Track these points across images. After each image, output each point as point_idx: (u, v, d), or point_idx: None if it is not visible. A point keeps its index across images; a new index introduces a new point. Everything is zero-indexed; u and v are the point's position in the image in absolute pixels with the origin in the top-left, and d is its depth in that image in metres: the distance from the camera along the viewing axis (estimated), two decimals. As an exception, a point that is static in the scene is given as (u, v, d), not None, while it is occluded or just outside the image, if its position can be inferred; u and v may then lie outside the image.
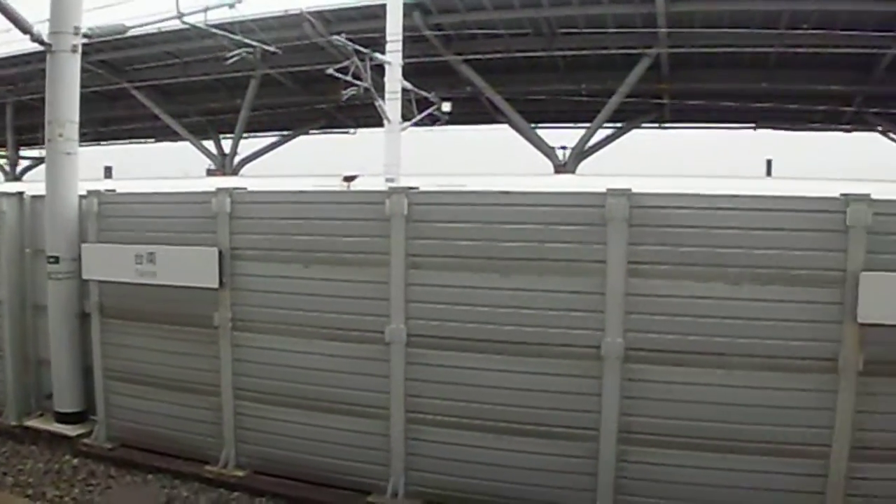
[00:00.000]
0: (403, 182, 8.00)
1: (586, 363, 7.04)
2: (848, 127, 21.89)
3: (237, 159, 26.51)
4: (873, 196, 6.80)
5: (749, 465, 6.95)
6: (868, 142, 22.01)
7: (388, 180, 8.31)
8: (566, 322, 7.09)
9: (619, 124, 22.59)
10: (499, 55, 18.73)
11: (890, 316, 6.61)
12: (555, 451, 7.24)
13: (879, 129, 21.55)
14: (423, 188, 7.65)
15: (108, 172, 24.67)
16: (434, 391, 7.45)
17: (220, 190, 8.18)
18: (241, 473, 8.04)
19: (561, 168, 21.33)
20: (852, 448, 6.82)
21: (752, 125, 22.13)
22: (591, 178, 7.95)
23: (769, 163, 18.20)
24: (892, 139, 21.50)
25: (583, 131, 21.79)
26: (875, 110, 20.34)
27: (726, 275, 6.85)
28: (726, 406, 6.91)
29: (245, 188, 8.41)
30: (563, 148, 21.80)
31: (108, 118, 29.01)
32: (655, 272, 6.93)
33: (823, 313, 6.79)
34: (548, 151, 21.46)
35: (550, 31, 17.94)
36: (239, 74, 20.97)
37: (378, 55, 12.69)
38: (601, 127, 21.61)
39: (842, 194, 6.84)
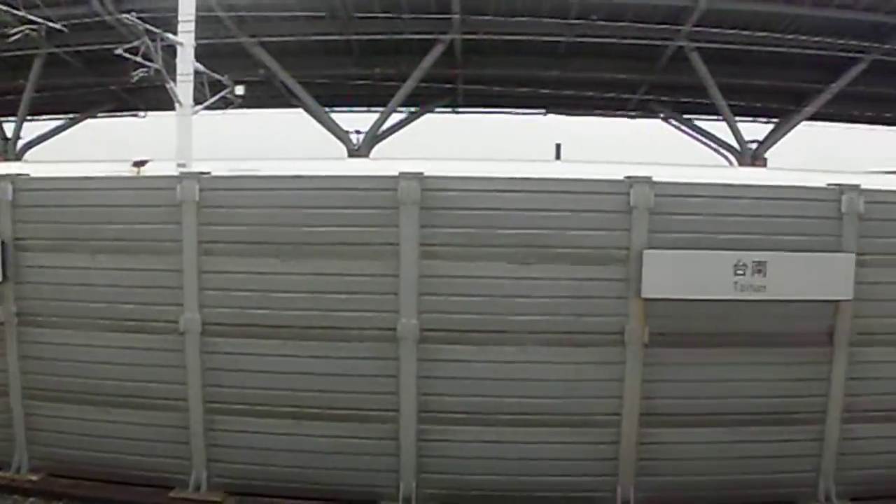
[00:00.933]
0: (196, 167, 8.28)
1: (383, 345, 7.51)
2: (634, 114, 24.08)
3: (20, 143, 25.96)
4: (655, 178, 7.54)
5: (545, 436, 7.64)
6: (652, 128, 24.52)
7: (179, 165, 8.54)
8: (362, 305, 7.51)
9: (413, 109, 23.63)
10: (294, 38, 19.11)
11: (672, 290, 7.40)
12: (355, 434, 7.69)
13: (662, 115, 23.81)
14: (215, 173, 7.78)
15: None
16: (232, 380, 7.72)
17: (0, 177, 8.10)
18: (34, 477, 8.06)
19: (355, 152, 22.08)
20: (641, 415, 7.67)
21: (543, 111, 23.99)
22: (385, 161, 8.47)
23: (558, 147, 19.73)
24: (673, 125, 23.91)
25: (377, 115, 22.64)
26: (659, 98, 22.44)
27: (517, 255, 7.46)
28: (521, 381, 7.57)
29: (28, 174, 8.30)
30: (358, 132, 22.63)
31: None
32: (448, 254, 7.44)
33: (610, 289, 7.53)
34: (342, 135, 21.66)
35: (346, 14, 18.24)
36: (22, 53, 20.61)
37: (170, 35, 12.79)
38: (395, 111, 22.50)
39: (626, 177, 7.55)
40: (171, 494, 7.87)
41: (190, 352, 7.75)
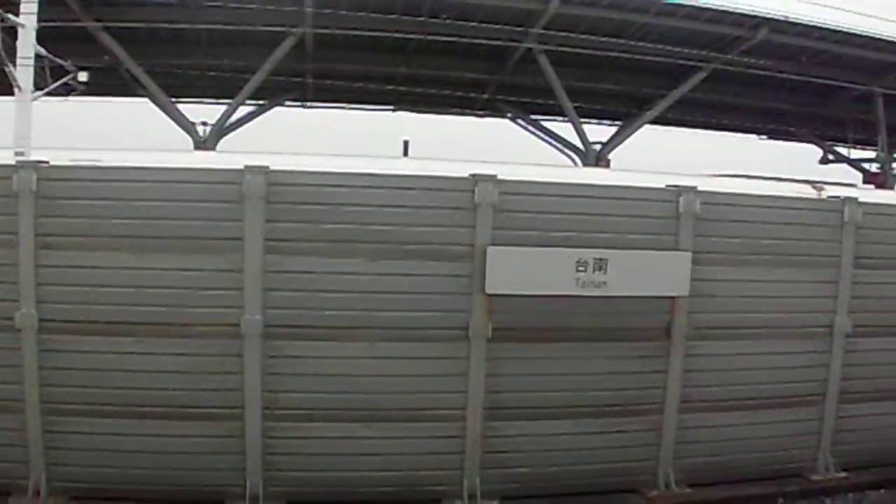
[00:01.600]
0: (35, 156, 8.36)
1: (227, 342, 7.71)
2: (481, 113, 25.73)
3: None
4: (500, 176, 8.04)
5: (393, 432, 8.05)
6: (499, 127, 26.48)
7: (17, 154, 8.55)
8: (205, 301, 7.68)
9: (261, 102, 24.20)
10: (141, 24, 19.25)
11: (515, 286, 7.94)
12: (201, 433, 7.84)
13: (509, 115, 25.48)
14: (54, 163, 7.71)
15: None
16: (71, 379, 7.70)
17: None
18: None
19: (201, 144, 22.30)
20: (486, 409, 8.18)
21: (392, 108, 25.22)
22: (231, 155, 8.78)
23: (406, 143, 20.73)
24: (520, 125, 25.66)
25: (225, 107, 22.49)
26: (506, 98, 24.12)
27: (364, 251, 7.81)
28: (368, 377, 7.95)
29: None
30: (205, 124, 23.08)
31: None
32: (294, 249, 7.72)
33: (455, 285, 7.99)
34: (188, 127, 22.08)
35: (195, 3, 18.50)
36: None
37: (10, 16, 12.72)
38: (243, 104, 23.04)
39: (471, 174, 8.00)
40: (11, 501, 7.76)
41: (27, 351, 7.64)
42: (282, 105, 24.94)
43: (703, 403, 8.96)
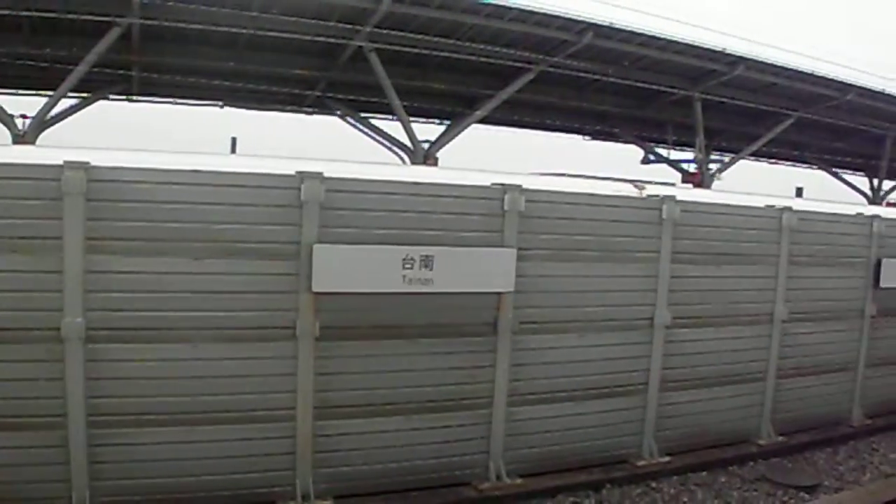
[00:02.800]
0: None
1: (47, 346, 7.97)
2: (311, 110, 27.47)
3: None
4: (326, 174, 8.67)
5: (222, 434, 8.54)
6: (329, 125, 28.29)
7: None
8: (23, 303, 7.92)
9: (85, 94, 24.70)
10: None
11: (342, 284, 8.62)
12: (23, 444, 8.04)
13: (339, 113, 27.12)
14: None
15: None
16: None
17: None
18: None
19: (20, 138, 22.67)
20: (315, 408, 8.79)
21: (220, 103, 26.35)
22: (52, 149, 9.27)
23: (234, 140, 21.95)
24: (350, 123, 27.32)
25: (46, 99, 23.32)
26: (336, 96, 25.73)
27: (189, 249, 8.26)
28: (196, 379, 8.42)
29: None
30: (24, 116, 23.50)
31: None
32: (117, 248, 8.09)
33: (282, 284, 8.58)
34: (6, 119, 21.22)
35: None
36: None
37: None
38: (66, 96, 23.31)
39: (297, 172, 8.55)
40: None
41: None
42: (107, 99, 24.95)
43: (531, 396, 9.97)
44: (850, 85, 27.73)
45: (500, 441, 9.93)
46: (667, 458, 11.11)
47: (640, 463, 10.91)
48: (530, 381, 10.07)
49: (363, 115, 26.54)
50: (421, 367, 9.42)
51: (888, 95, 28.91)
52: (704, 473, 11.15)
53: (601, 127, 32.05)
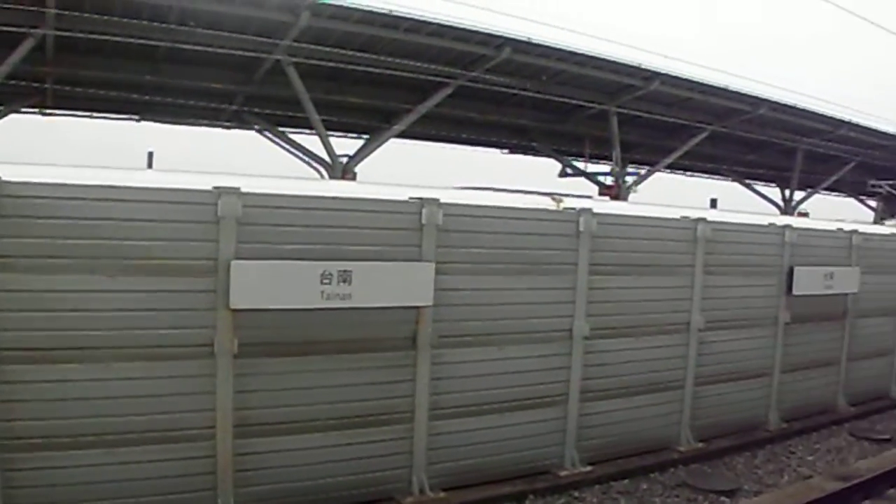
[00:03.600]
0: None
1: None
2: (229, 124, 27.38)
3: None
4: (244, 189, 8.81)
5: (137, 455, 8.55)
6: (247, 139, 28.33)
7: None
8: None
9: None
10: None
11: (260, 301, 8.76)
12: None
13: (257, 127, 27.29)
14: None
15: None
16: None
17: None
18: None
19: None
20: (236, 426, 8.89)
21: (137, 117, 26.06)
22: None
23: (150, 155, 22.06)
24: (268, 137, 27.60)
25: None
26: (254, 110, 25.72)
27: (102, 266, 8.30)
28: (108, 400, 8.42)
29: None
30: None
31: None
32: (25, 266, 8.09)
33: (198, 301, 8.65)
34: None
35: None
36: None
37: None
38: None
39: (214, 187, 8.68)
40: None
41: None
42: (18, 112, 24.53)
43: (452, 409, 10.25)
44: (763, 99, 29.06)
45: (423, 455, 10.14)
46: (589, 468, 11.49)
47: (563, 473, 11.25)
48: (451, 394, 10.33)
49: (281, 129, 26.69)
50: (341, 383, 9.60)
51: (799, 109, 30.40)
52: (626, 481, 11.56)
53: (520, 141, 32.85)
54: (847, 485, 10.61)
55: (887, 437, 14.80)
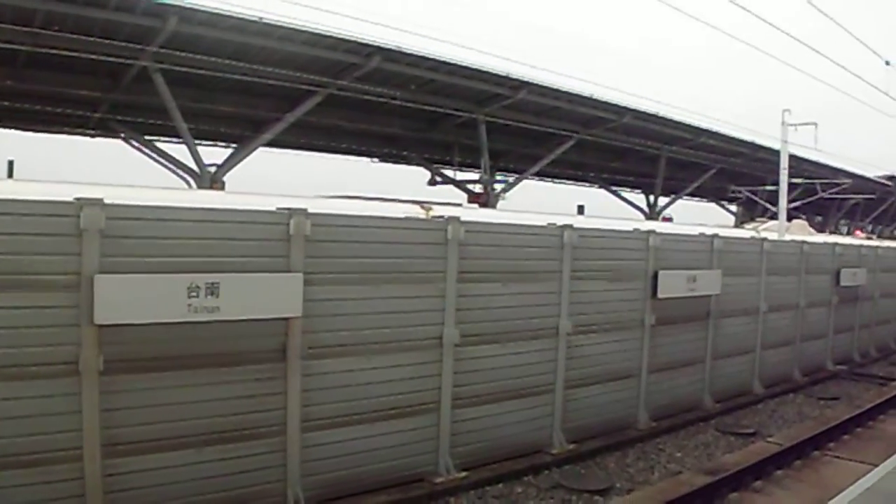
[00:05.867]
0: None
1: None
2: (93, 132, 27.85)
3: None
4: (108, 201, 8.98)
5: (4, 480, 8.69)
6: (113, 148, 28.72)
7: None
8: None
9: None
10: None
11: (127, 315, 9.00)
12: None
13: (123, 135, 27.79)
14: None
15: None
16: None
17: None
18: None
19: None
20: (104, 446, 9.09)
21: None
22: None
23: (10, 164, 22.13)
24: (134, 146, 28.05)
25: None
26: (118, 118, 26.25)
27: None
28: None
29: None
30: None
31: None
32: None
33: (61, 317, 8.83)
34: None
35: None
36: None
37: None
38: None
39: (76, 198, 8.83)
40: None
41: None
42: None
43: (325, 421, 10.77)
44: (627, 108, 31.00)
45: (297, 467, 10.61)
46: (464, 474, 12.22)
47: (438, 480, 11.91)
48: (323, 405, 10.84)
49: (148, 137, 26.67)
50: (212, 397, 9.95)
51: (661, 118, 32.51)
52: (501, 486, 12.35)
53: (390, 149, 33.97)
54: (715, 479, 11.71)
55: (752, 430, 16.23)
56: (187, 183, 26.41)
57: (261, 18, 19.92)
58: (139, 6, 18.64)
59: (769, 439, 14.65)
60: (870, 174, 52.12)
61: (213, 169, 26.03)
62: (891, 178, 56.57)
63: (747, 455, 13.33)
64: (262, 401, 10.34)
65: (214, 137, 27.76)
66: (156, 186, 12.00)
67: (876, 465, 10.68)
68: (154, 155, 26.98)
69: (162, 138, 26.72)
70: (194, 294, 9.46)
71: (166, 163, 26.82)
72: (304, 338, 10.18)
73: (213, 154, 27.14)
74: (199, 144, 25.87)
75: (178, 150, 26.49)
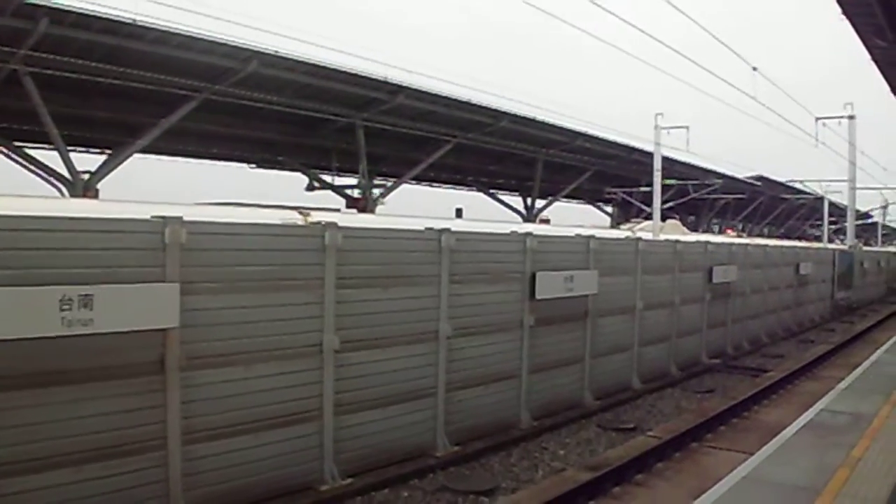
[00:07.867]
0: None
1: None
2: None
3: None
4: None
5: None
6: None
7: None
8: None
9: None
10: None
11: None
12: None
13: None
14: None
15: None
16: None
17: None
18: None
19: None
20: None
21: None
22: None
23: None
24: (2, 153, 27.63)
25: None
26: None
27: None
28: None
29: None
30: None
31: None
32: None
33: None
34: None
35: None
36: None
37: None
38: None
39: None
40: None
41: None
42: None
43: (206, 432, 10.98)
44: (503, 112, 32.13)
45: (178, 482, 10.76)
46: (349, 480, 12.65)
47: (324, 488, 12.33)
48: (204, 416, 11.04)
49: (17, 144, 26.07)
50: (90, 413, 10.01)
51: (538, 122, 33.83)
52: (387, 490, 12.82)
53: (267, 155, 34.26)
54: (598, 474, 12.48)
55: (632, 425, 17.18)
56: (60, 191, 25.94)
57: (133, 20, 19.86)
58: (9, 8, 18.33)
59: (649, 433, 15.58)
60: (739, 175, 55.17)
61: (86, 176, 25.64)
62: (759, 178, 60.06)
63: (629, 449, 14.20)
64: (143, 414, 10.43)
65: (88, 143, 27.56)
66: (26, 195, 11.92)
67: (752, 454, 11.56)
68: (24, 162, 26.35)
69: (32, 144, 26.12)
70: (67, 307, 9.45)
71: (37, 170, 26.31)
72: (182, 349, 10.30)
73: (87, 161, 26.72)
74: (72, 151, 25.53)
75: (50, 157, 26.00)
